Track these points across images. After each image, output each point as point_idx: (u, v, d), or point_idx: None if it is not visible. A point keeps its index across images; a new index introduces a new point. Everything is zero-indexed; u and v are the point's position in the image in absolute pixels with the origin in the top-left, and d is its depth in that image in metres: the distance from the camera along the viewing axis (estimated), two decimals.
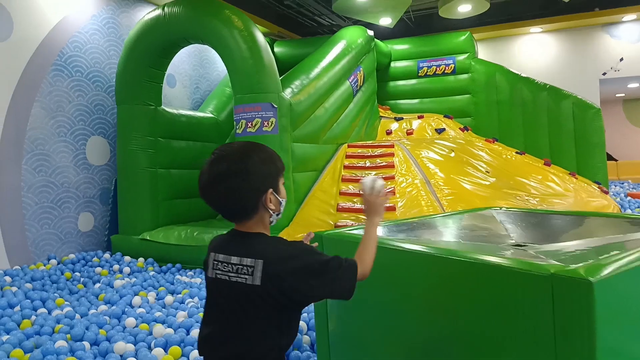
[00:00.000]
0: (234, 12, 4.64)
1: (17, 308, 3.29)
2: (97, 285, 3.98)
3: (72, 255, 4.80)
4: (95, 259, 4.79)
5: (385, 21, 7.26)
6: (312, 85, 5.32)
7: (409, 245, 1.60)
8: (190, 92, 6.73)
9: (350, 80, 6.33)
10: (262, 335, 1.16)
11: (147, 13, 5.05)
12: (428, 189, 4.76)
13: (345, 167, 5.33)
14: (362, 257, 1.28)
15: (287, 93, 4.85)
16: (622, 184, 10.67)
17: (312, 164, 5.28)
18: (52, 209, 4.84)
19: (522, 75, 7.35)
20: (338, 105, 5.91)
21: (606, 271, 1.11)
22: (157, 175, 5.23)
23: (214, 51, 6.72)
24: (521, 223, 2.17)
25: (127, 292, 3.65)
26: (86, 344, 2.66)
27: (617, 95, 13.48)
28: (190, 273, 4.37)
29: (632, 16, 8.54)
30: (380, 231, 2.06)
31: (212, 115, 6.25)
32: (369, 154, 5.46)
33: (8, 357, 2.46)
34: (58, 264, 4.61)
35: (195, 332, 2.76)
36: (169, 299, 3.50)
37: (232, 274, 1.16)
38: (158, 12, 4.85)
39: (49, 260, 4.64)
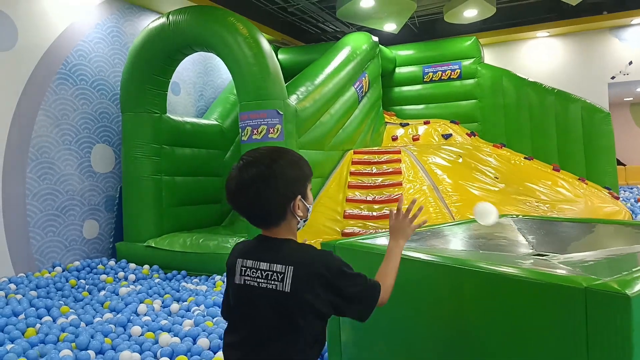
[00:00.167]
0: (238, 19, 4.62)
1: (22, 316, 3.25)
2: (102, 292, 3.94)
3: (77, 263, 4.77)
4: (100, 266, 4.76)
5: (390, 27, 7.24)
6: (317, 92, 5.29)
7: (429, 257, 1.54)
8: (194, 100, 6.73)
9: (355, 87, 6.30)
10: (292, 345, 1.14)
11: (151, 21, 5.05)
12: (436, 195, 4.70)
13: (352, 173, 5.28)
14: (384, 281, 1.26)
15: (293, 99, 4.82)
16: (632, 189, 10.50)
17: (318, 170, 5.23)
18: (56, 217, 4.82)
19: (529, 79, 7.28)
20: (343, 111, 5.88)
21: None
22: (161, 182, 5.20)
23: (218, 58, 6.74)
24: (539, 231, 2.11)
25: (133, 299, 3.61)
26: (91, 352, 2.61)
27: (625, 99, 13.37)
28: (195, 280, 4.32)
29: None
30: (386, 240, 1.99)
31: (216, 123, 6.23)
32: (375, 160, 5.40)
33: None
34: (63, 271, 4.58)
35: (202, 341, 2.71)
36: (174, 306, 3.46)
37: (262, 280, 1.15)
38: (162, 20, 4.85)
39: (53, 267, 4.61)
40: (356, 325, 1.82)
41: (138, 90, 5.06)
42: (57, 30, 4.93)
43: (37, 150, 4.68)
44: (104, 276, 4.41)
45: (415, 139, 6.97)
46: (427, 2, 7.70)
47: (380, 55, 7.31)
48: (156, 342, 2.79)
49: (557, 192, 5.65)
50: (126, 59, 5.22)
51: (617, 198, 6.22)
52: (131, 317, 3.22)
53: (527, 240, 2.01)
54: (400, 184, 4.93)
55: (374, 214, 4.63)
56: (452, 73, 7.70)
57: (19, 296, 3.65)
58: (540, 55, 9.21)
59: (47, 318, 3.22)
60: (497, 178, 5.35)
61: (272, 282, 1.13)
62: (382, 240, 2.00)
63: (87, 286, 4.17)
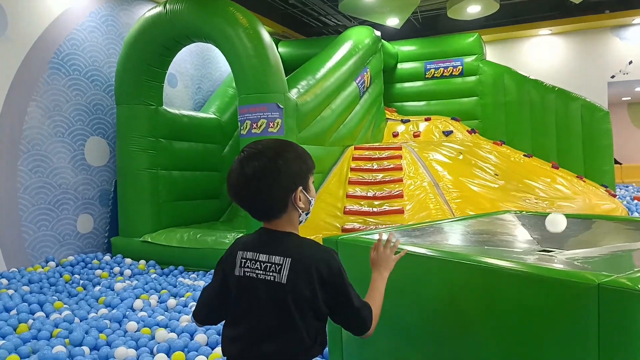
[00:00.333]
0: (238, 10, 4.53)
1: (14, 312, 3.17)
2: (97, 288, 3.86)
3: (71, 258, 4.68)
4: (95, 261, 4.68)
5: (393, 22, 7.16)
6: (318, 86, 5.21)
7: (433, 252, 1.48)
8: (192, 92, 6.62)
9: (357, 82, 6.22)
10: (291, 340, 1.13)
11: (147, 10, 4.94)
12: (437, 191, 4.64)
13: (352, 169, 5.21)
14: (374, 312, 1.24)
15: (293, 93, 4.74)
16: (627, 187, 10.53)
17: (319, 166, 5.11)
18: (49, 211, 4.72)
19: (530, 77, 7.24)
20: (345, 106, 5.80)
21: None
22: (158, 176, 5.11)
23: (216, 50, 6.64)
24: (543, 227, 2.05)
25: (129, 295, 3.53)
26: (85, 349, 2.54)
27: (623, 98, 13.38)
28: (193, 275, 4.25)
29: None
30: (397, 236, 1.94)
31: (214, 116, 6.14)
32: (376, 156, 5.34)
33: None
34: (57, 266, 4.50)
35: (199, 337, 2.65)
36: (171, 302, 3.39)
37: (260, 272, 1.15)
38: (159, 9, 4.74)
39: (47, 262, 4.52)
40: None
41: (133, 81, 4.96)
42: (49, 18, 4.81)
43: (29, 143, 4.58)
44: (99, 271, 4.33)
45: (416, 135, 6.91)
46: None
47: (383, 50, 7.23)
48: (152, 337, 2.73)
49: (556, 190, 5.61)
50: (121, 49, 5.11)
51: (614, 196, 6.21)
52: (127, 313, 3.15)
53: (531, 236, 1.95)
54: (401, 180, 4.87)
55: (375, 210, 4.57)
56: (454, 70, 7.64)
57: (10, 291, 3.56)
58: (541, 53, 9.16)
59: (39, 314, 3.15)
60: (497, 175, 5.30)
61: (270, 274, 1.13)
62: (384, 236, 1.94)
63: (81, 281, 4.09)
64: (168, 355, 2.48)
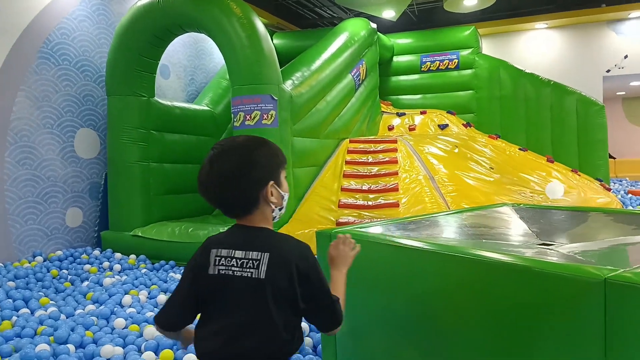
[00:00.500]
0: None
1: None
2: (85, 283, 3.77)
3: (59, 252, 4.58)
4: (84, 255, 4.58)
5: (388, 14, 7.08)
6: (313, 78, 5.13)
7: (429, 246, 1.42)
8: (185, 84, 6.51)
9: (352, 74, 6.14)
10: (269, 336, 1.13)
11: None
12: (432, 185, 4.59)
13: (347, 162, 5.15)
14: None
15: (288, 85, 4.65)
16: (621, 181, 10.61)
17: (313, 158, 5.09)
18: (37, 204, 4.62)
19: (525, 71, 7.20)
20: (340, 99, 5.73)
21: None
22: (149, 169, 5.01)
23: (210, 41, 6.52)
24: (541, 220, 2.00)
25: (117, 290, 3.44)
26: (71, 346, 2.46)
27: (617, 93, 13.39)
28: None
29: (639, 13, 8.39)
30: (391, 229, 1.89)
31: (208, 108, 6.04)
32: (371, 150, 5.28)
33: None
34: (44, 261, 4.39)
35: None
36: (161, 297, 3.31)
37: (236, 269, 1.13)
38: None
39: (34, 257, 4.42)
40: (353, 315, 1.75)
41: (124, 72, 4.84)
42: (38, 6, 4.68)
43: (17, 134, 4.46)
44: (87, 266, 4.23)
45: (411, 128, 6.86)
46: None
47: (378, 42, 7.16)
48: (141, 335, 2.65)
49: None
50: (112, 38, 4.99)
51: (609, 190, 6.20)
52: (115, 309, 3.06)
53: (530, 230, 1.90)
54: (396, 173, 4.82)
55: (369, 203, 4.52)
56: (450, 63, 7.58)
57: None
58: (537, 47, 9.12)
59: (24, 310, 3.05)
60: (493, 169, 5.26)
61: (248, 270, 1.12)
62: (378, 229, 1.89)
63: (69, 277, 3.99)
64: (156, 353, 2.40)
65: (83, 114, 5.08)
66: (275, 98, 4.31)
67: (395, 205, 4.39)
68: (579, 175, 6.03)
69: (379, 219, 4.18)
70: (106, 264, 4.33)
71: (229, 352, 1.12)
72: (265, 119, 4.25)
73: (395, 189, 4.59)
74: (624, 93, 13.56)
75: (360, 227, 1.88)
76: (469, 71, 7.58)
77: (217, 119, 6.04)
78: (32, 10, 4.62)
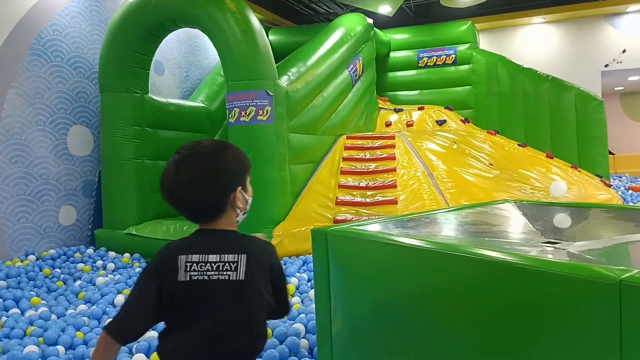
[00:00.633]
0: None
1: None
2: (78, 282, 3.70)
3: (52, 251, 4.51)
4: (77, 254, 4.51)
5: (385, 9, 7.01)
6: (309, 73, 5.06)
7: (429, 245, 1.36)
8: (179, 81, 6.43)
9: (349, 70, 6.07)
10: (245, 337, 1.15)
11: None
12: (431, 181, 4.53)
13: (344, 159, 5.09)
14: None
15: (284, 80, 4.58)
16: (620, 177, 10.57)
17: (310, 155, 5.02)
18: (30, 202, 4.54)
19: (523, 66, 7.15)
20: (337, 94, 5.66)
21: None
22: (143, 166, 4.94)
23: (205, 37, 6.44)
24: (545, 217, 1.94)
25: (110, 290, 3.38)
26: (60, 348, 2.39)
27: (615, 88, 13.35)
28: None
29: (637, 7, 8.35)
30: (390, 227, 1.83)
31: (203, 105, 5.96)
32: (368, 146, 5.22)
33: None
34: (37, 259, 4.32)
35: None
36: None
37: (212, 273, 1.13)
38: None
39: (27, 256, 4.35)
40: (351, 315, 1.73)
41: (118, 68, 4.77)
42: (29, 2, 4.59)
43: (8, 131, 4.38)
44: (81, 265, 4.17)
45: (409, 124, 6.80)
46: None
47: (375, 38, 7.08)
48: None
49: (551, 179, 5.53)
50: (105, 35, 4.91)
51: (610, 186, 6.16)
52: (107, 309, 3.00)
53: (533, 227, 1.85)
54: (394, 170, 4.76)
55: (367, 200, 4.45)
56: (447, 58, 7.52)
57: None
58: (535, 42, 9.06)
59: (14, 310, 2.99)
60: (492, 165, 5.21)
61: (225, 273, 1.13)
62: (377, 227, 1.84)
63: (62, 276, 3.92)
64: (147, 355, 2.34)
65: (76, 111, 5.00)
66: (271, 94, 4.24)
67: (394, 202, 4.34)
68: (579, 172, 5.99)
69: (377, 216, 4.13)
70: (100, 262, 4.27)
71: (214, 356, 1.12)
72: (261, 115, 4.18)
73: (394, 186, 4.53)
74: (622, 88, 13.52)
75: (358, 225, 1.82)
76: (466, 66, 7.52)
77: (212, 116, 5.97)
78: (23, 6, 4.53)
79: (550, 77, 6.93)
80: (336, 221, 4.21)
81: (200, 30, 4.67)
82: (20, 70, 4.49)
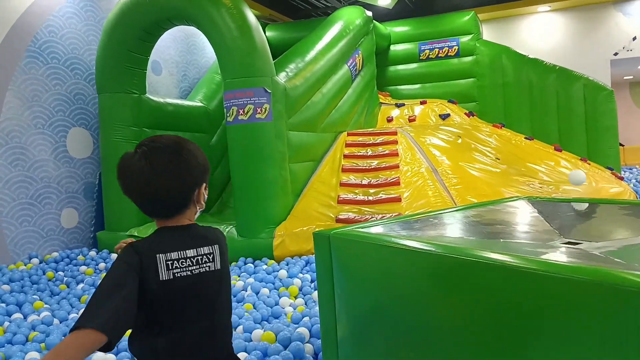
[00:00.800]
0: None
1: None
2: (81, 285, 3.66)
3: (55, 254, 4.48)
4: (80, 257, 4.48)
5: (384, 2, 6.90)
6: (308, 69, 4.97)
7: (438, 248, 1.28)
8: (177, 80, 6.35)
9: (348, 64, 5.97)
10: (229, 324, 1.24)
11: None
12: (435, 177, 4.43)
13: (345, 156, 5.00)
14: None
15: (282, 77, 4.50)
16: (631, 169, 10.39)
17: (310, 153, 4.94)
18: (31, 205, 4.50)
19: (529, 56, 7.00)
20: (336, 90, 5.56)
21: None
22: None
23: (202, 36, 6.35)
24: (562, 215, 1.85)
25: None
26: None
27: (625, 77, 13.11)
28: None
29: None
30: (394, 229, 1.75)
31: (201, 104, 5.89)
32: (370, 142, 5.12)
33: None
34: (40, 262, 4.29)
35: None
36: None
37: (194, 267, 1.15)
38: None
39: (30, 259, 4.32)
40: (353, 320, 1.69)
41: (114, 68, 4.70)
42: (23, 4, 4.53)
43: (7, 135, 4.33)
44: (83, 267, 4.13)
45: (411, 119, 6.69)
46: None
47: (374, 31, 6.96)
48: None
49: (560, 173, 5.42)
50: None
51: (621, 178, 6.02)
52: None
53: (550, 226, 1.75)
54: (397, 166, 4.66)
55: (370, 198, 4.37)
56: (450, 50, 7.38)
57: None
58: (540, 31, 8.88)
59: (17, 315, 2.95)
60: (499, 159, 5.10)
61: (205, 265, 1.17)
62: (380, 229, 1.76)
63: (65, 279, 3.88)
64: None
65: (74, 113, 4.95)
66: (269, 91, 4.16)
67: (397, 199, 4.24)
68: (589, 164, 5.85)
69: (380, 215, 4.04)
70: (102, 265, 4.23)
71: (212, 347, 1.18)
72: (259, 112, 4.10)
73: (397, 183, 4.43)
74: (631, 77, 13.27)
75: (362, 227, 1.74)
76: (469, 58, 7.38)
77: (211, 115, 5.90)
78: (17, 8, 4.47)
79: (557, 67, 6.78)
80: (338, 220, 4.14)
81: (196, 28, 4.59)
82: (17, 73, 4.44)
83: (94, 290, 3.42)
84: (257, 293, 3.13)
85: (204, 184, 1.20)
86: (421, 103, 7.04)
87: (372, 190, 4.45)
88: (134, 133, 4.83)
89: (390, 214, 3.97)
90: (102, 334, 0.95)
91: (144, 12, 4.49)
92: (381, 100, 7.26)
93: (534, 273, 1.06)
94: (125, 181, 1.13)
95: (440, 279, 1.32)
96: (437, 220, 1.87)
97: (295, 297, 3.08)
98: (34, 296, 3.37)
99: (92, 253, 4.58)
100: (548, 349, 1.02)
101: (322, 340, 1.83)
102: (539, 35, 8.88)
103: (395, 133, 5.19)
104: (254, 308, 2.87)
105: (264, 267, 3.77)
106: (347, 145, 5.18)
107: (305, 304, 2.93)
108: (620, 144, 13.32)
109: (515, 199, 2.14)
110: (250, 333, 2.41)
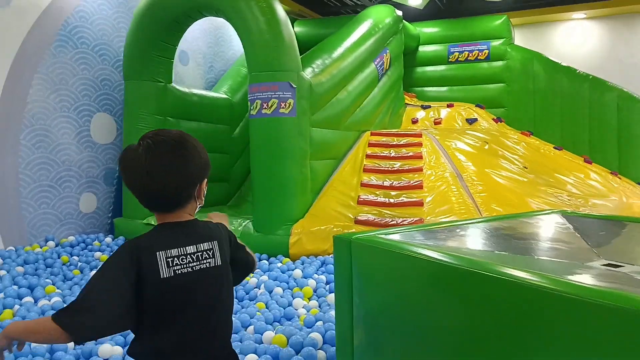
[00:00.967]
0: None
1: (1, 295, 2.97)
2: (93, 272, 3.64)
3: (71, 238, 4.51)
4: (95, 242, 4.49)
5: (415, 2, 6.75)
6: (334, 66, 4.89)
7: (466, 264, 1.18)
8: (203, 71, 6.35)
9: (375, 63, 5.86)
10: (230, 319, 1.24)
11: None
12: (460, 183, 4.29)
13: (368, 156, 4.90)
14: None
15: (308, 73, 4.42)
16: None
17: (332, 151, 4.86)
18: (51, 188, 4.53)
19: (562, 64, 6.77)
20: (362, 89, 5.47)
21: None
22: None
23: (230, 28, 6.32)
24: (599, 232, 1.72)
25: None
26: (69, 344, 2.31)
27: None
28: None
29: None
30: (418, 237, 1.66)
31: (226, 96, 5.87)
32: (394, 143, 5.01)
33: None
34: (56, 246, 4.32)
35: None
36: None
37: (195, 264, 1.15)
38: None
39: (46, 242, 4.35)
40: (372, 328, 1.63)
41: (142, 56, 4.71)
42: None
43: (32, 117, 4.37)
44: (98, 253, 4.14)
45: (437, 122, 6.54)
46: None
47: (404, 31, 6.83)
48: None
49: (589, 186, 5.22)
50: (130, 22, 4.85)
51: None
52: None
53: (587, 244, 1.63)
54: (420, 169, 4.54)
55: (391, 200, 4.25)
56: (480, 54, 7.20)
57: (2, 272, 3.38)
58: (574, 38, 8.58)
59: (28, 299, 2.95)
60: (526, 168, 4.92)
61: (206, 261, 1.16)
62: (404, 237, 1.67)
63: (79, 264, 3.89)
64: None
65: (100, 99, 4.97)
66: (294, 86, 4.09)
67: (419, 204, 4.12)
68: (620, 179, 5.62)
69: (400, 219, 3.93)
70: None
71: (214, 343, 1.18)
72: (283, 107, 4.03)
73: (420, 187, 4.31)
74: None
75: (384, 234, 1.65)
76: (500, 63, 7.19)
77: (234, 108, 5.87)
78: None
79: (590, 77, 6.56)
80: (357, 221, 4.04)
81: (225, 19, 4.55)
82: (47, 57, 4.47)
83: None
84: (270, 292, 3.06)
85: (205, 180, 1.21)
86: (448, 106, 6.89)
87: (393, 193, 4.33)
88: (158, 121, 4.82)
89: (412, 219, 3.85)
90: (67, 335, 1.02)
91: (175, 1, 4.49)
92: (407, 101, 7.14)
93: (578, 300, 0.96)
94: (127, 174, 1.14)
95: (468, 296, 1.24)
96: (465, 231, 1.77)
97: (309, 299, 3.01)
98: (47, 280, 3.37)
99: (108, 239, 4.59)
100: None
101: (337, 347, 1.77)
102: (573, 43, 8.59)
103: (420, 135, 5.07)
104: (266, 307, 2.81)
105: (279, 264, 3.71)
106: (370, 145, 5.08)
107: (320, 306, 2.85)
108: None
109: (548, 212, 2.01)
110: (261, 334, 2.34)
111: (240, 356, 1.80)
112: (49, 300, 2.91)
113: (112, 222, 4.99)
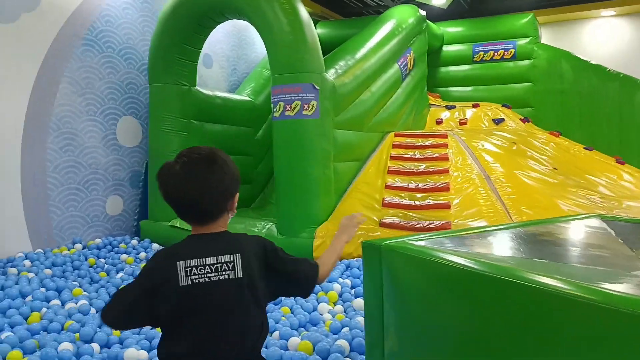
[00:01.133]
0: None
1: (29, 298, 3.02)
2: (120, 275, 3.69)
3: (98, 240, 4.58)
4: (122, 244, 4.54)
5: (438, 1, 6.65)
6: (358, 67, 4.84)
7: (503, 273, 1.12)
8: (227, 74, 6.38)
9: (399, 63, 5.78)
10: (252, 327, 1.23)
11: None
12: (488, 185, 4.18)
13: (392, 157, 4.82)
14: (325, 262, 1.43)
15: (331, 74, 4.39)
16: None
17: (356, 152, 4.81)
18: (78, 191, 4.62)
19: (591, 62, 6.55)
20: (385, 89, 5.40)
21: None
22: None
23: (253, 31, 6.34)
24: None
25: None
26: (95, 346, 2.34)
27: None
28: None
29: None
30: (452, 243, 1.60)
31: (249, 99, 5.88)
32: (418, 144, 4.92)
33: (4, 359, 2.16)
34: (83, 248, 4.39)
35: None
36: None
37: (213, 274, 1.19)
38: None
39: (73, 244, 4.43)
40: (404, 337, 1.58)
41: (167, 59, 4.75)
42: None
43: (60, 120, 4.46)
44: (124, 256, 4.18)
45: (462, 123, 6.41)
46: None
47: (427, 31, 6.74)
48: None
49: (622, 187, 5.02)
50: (155, 26, 4.91)
51: None
52: None
53: (632, 251, 1.54)
54: (446, 171, 4.44)
55: (417, 203, 4.17)
56: (505, 53, 7.03)
57: (31, 275, 3.44)
58: (603, 36, 8.30)
59: (55, 301, 2.98)
60: (556, 169, 4.77)
61: (224, 273, 1.20)
62: (436, 242, 1.61)
63: (106, 266, 3.94)
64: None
65: (125, 102, 5.05)
66: (317, 87, 4.05)
67: (446, 206, 4.03)
68: None
69: (427, 222, 3.85)
70: (143, 254, 4.27)
71: (225, 354, 1.19)
72: (306, 109, 4.00)
73: (446, 189, 4.21)
74: None
75: (414, 240, 1.60)
76: (526, 62, 7.01)
77: (258, 110, 5.88)
78: None
79: (621, 75, 6.32)
80: (382, 224, 3.97)
81: (248, 22, 4.56)
82: (73, 60, 4.56)
83: (132, 280, 3.46)
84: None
85: (236, 194, 1.28)
86: (473, 106, 6.75)
87: (419, 195, 4.25)
88: (182, 124, 4.86)
89: (439, 222, 3.76)
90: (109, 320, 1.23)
91: (199, 4, 4.52)
92: (431, 102, 7.03)
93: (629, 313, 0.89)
94: (166, 189, 1.22)
95: (503, 306, 1.19)
96: (500, 236, 1.70)
97: (335, 304, 2.96)
98: (74, 282, 3.41)
99: (134, 242, 4.64)
100: None
101: (367, 356, 1.72)
102: (602, 41, 8.30)
103: (445, 136, 4.97)
104: (291, 312, 2.77)
105: None
106: (394, 146, 5.00)
107: (345, 311, 2.80)
108: None
109: (586, 216, 1.91)
110: (287, 340, 2.31)
111: None
112: (76, 304, 2.94)
113: (138, 225, 5.05)
